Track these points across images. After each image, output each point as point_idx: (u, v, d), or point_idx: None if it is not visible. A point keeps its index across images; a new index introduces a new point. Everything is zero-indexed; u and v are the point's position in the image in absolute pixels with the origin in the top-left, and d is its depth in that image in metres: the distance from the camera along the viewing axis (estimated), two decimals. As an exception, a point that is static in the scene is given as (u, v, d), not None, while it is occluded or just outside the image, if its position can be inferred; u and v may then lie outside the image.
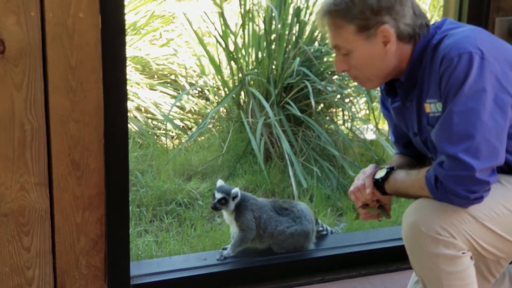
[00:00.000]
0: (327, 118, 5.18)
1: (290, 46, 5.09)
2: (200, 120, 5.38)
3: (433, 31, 2.35)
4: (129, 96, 5.22)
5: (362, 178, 2.54)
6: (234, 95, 5.13)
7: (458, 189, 2.17)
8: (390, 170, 2.46)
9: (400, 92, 2.44)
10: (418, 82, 2.36)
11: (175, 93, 5.73)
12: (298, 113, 4.72)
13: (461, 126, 2.17)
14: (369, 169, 2.55)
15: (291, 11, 5.15)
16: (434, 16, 5.97)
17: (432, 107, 2.31)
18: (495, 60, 2.19)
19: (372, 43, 2.31)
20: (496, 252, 2.31)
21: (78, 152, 2.64)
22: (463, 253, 2.24)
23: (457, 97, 2.17)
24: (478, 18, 3.13)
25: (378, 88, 2.67)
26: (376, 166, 2.54)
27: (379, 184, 2.47)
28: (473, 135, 2.15)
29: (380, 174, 2.48)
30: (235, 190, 3.25)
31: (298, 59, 4.84)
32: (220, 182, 3.33)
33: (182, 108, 5.61)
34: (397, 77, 2.42)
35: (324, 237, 3.45)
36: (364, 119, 5.41)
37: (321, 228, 3.44)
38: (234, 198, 3.23)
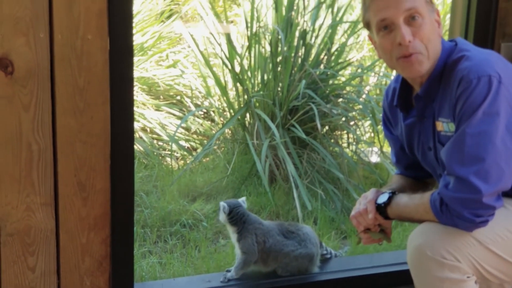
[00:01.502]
0: (332, 140, 5.19)
1: (296, 69, 5.11)
2: (205, 141, 5.40)
3: (451, 49, 2.36)
4: (135, 116, 5.23)
5: (363, 202, 2.53)
6: (239, 117, 5.15)
7: (464, 212, 2.18)
8: (392, 195, 2.46)
9: (417, 106, 2.43)
10: (435, 99, 2.36)
11: (180, 114, 5.75)
12: (303, 136, 4.73)
13: (473, 148, 2.18)
14: (370, 193, 2.54)
15: (297, 34, 5.17)
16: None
17: (444, 126, 2.32)
18: (510, 85, 2.21)
19: (432, 19, 2.32)
20: (500, 275, 2.30)
21: (85, 173, 2.65)
22: (468, 277, 2.24)
23: (472, 119, 2.18)
24: (484, 43, 3.15)
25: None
26: (378, 190, 2.54)
27: (381, 209, 2.47)
28: (484, 158, 2.16)
29: (382, 199, 2.47)
30: (221, 203, 3.26)
31: (304, 81, 4.86)
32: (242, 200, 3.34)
33: (187, 129, 5.63)
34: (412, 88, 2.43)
35: (328, 260, 3.44)
36: (369, 142, 5.42)
37: (325, 251, 3.44)
38: (224, 211, 3.25)
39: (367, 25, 2.41)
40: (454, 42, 2.40)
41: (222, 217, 3.25)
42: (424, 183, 2.64)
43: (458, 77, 2.23)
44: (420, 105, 2.42)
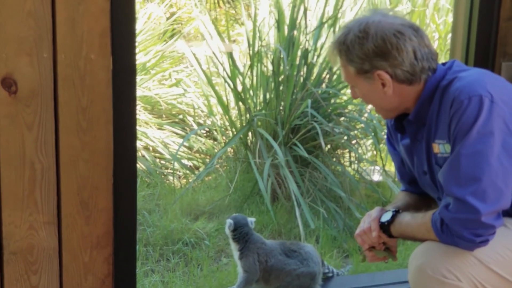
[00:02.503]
0: (334, 159, 5.20)
1: (298, 88, 5.13)
2: (208, 160, 5.41)
3: (444, 72, 2.37)
4: (137, 135, 5.25)
5: (368, 221, 2.55)
6: (241, 136, 5.16)
7: (464, 232, 2.19)
8: (396, 213, 2.47)
9: (409, 130, 2.46)
10: (427, 122, 2.37)
11: (183, 133, 5.77)
12: (306, 154, 4.74)
13: (468, 169, 2.19)
14: (374, 212, 2.55)
15: (299, 53, 5.20)
16: (441, 59, 6.01)
17: (440, 147, 2.33)
18: (503, 104, 2.21)
19: (372, 84, 2.37)
20: (501, 295, 2.31)
21: (87, 191, 2.65)
22: (469, 296, 2.25)
23: (466, 139, 2.19)
24: (484, 63, 3.16)
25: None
26: (382, 209, 2.55)
27: (385, 227, 2.48)
28: (480, 178, 2.17)
29: (386, 217, 2.48)
30: (227, 220, 3.30)
31: (309, 100, 4.87)
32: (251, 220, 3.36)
33: (190, 147, 5.64)
34: (406, 112, 2.44)
35: (330, 279, 3.44)
36: (371, 160, 5.42)
37: (327, 270, 3.44)
38: (230, 228, 3.27)
39: None
40: (450, 64, 2.41)
41: (227, 232, 3.28)
42: (429, 199, 2.65)
43: (450, 98, 2.26)
44: (412, 129, 2.45)
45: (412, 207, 2.56)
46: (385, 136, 2.80)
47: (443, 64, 2.42)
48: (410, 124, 2.44)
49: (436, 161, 2.37)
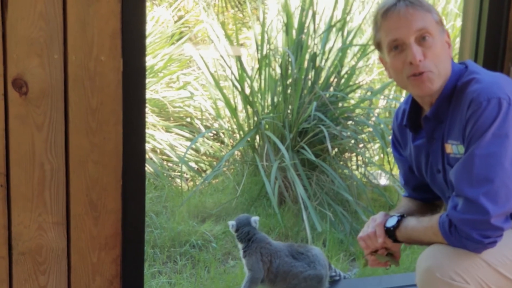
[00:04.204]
0: (341, 163, 5.20)
1: (305, 91, 5.13)
2: (215, 163, 5.42)
3: (461, 71, 2.38)
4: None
5: (372, 225, 2.54)
6: (249, 139, 5.17)
7: (473, 233, 2.19)
8: (401, 218, 2.47)
9: (426, 128, 2.44)
10: (444, 120, 2.38)
11: (190, 136, 5.78)
12: (313, 158, 4.74)
13: (482, 170, 2.19)
14: (379, 217, 2.55)
15: (307, 56, 5.20)
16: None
17: (453, 148, 2.33)
18: None
19: (442, 39, 2.35)
20: (508, 298, 2.31)
21: (96, 192, 2.66)
22: (476, 299, 2.25)
23: (481, 140, 2.19)
24: (493, 66, 3.17)
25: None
26: (386, 214, 2.55)
27: (390, 232, 2.48)
28: (493, 179, 2.17)
29: (391, 222, 2.48)
30: (229, 222, 3.34)
31: (314, 103, 4.88)
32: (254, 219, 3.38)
33: (197, 150, 5.65)
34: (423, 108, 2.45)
35: (337, 282, 3.44)
36: (378, 164, 5.43)
37: (334, 273, 3.44)
38: (232, 229, 3.32)
39: (378, 46, 2.43)
40: (464, 64, 2.42)
41: (232, 232, 3.34)
42: (432, 205, 2.65)
43: (468, 99, 2.25)
44: (429, 127, 2.43)
45: (415, 212, 2.55)
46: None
47: (458, 63, 2.44)
48: (428, 121, 2.42)
49: (448, 161, 2.37)
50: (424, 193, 2.64)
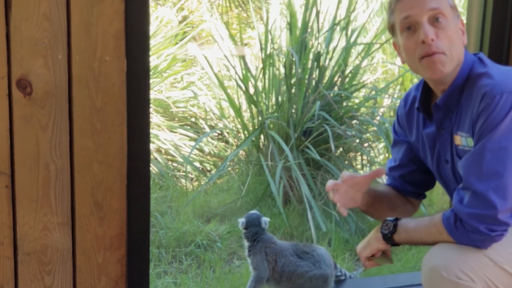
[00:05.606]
0: (346, 162, 5.20)
1: (310, 91, 5.13)
2: (220, 163, 5.42)
3: (475, 61, 2.37)
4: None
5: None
6: (253, 138, 5.17)
7: (480, 226, 2.17)
8: (396, 222, 2.45)
9: (436, 117, 2.42)
10: (454, 110, 2.37)
11: (195, 136, 5.78)
12: (318, 157, 4.74)
13: (492, 164, 2.18)
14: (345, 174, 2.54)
15: (311, 56, 5.20)
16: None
17: (463, 140, 2.32)
18: None
19: (456, 24, 2.35)
20: (515, 296, 2.30)
21: (101, 193, 2.66)
22: (483, 297, 2.24)
23: (493, 134, 2.19)
24: (498, 62, 3.15)
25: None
26: (352, 176, 2.53)
27: (388, 238, 2.46)
28: (502, 174, 2.17)
29: (387, 228, 2.46)
30: (240, 219, 3.33)
31: (318, 102, 4.88)
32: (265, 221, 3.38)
33: (201, 150, 5.65)
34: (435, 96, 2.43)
35: (342, 282, 3.44)
36: (383, 163, 5.42)
37: (339, 273, 3.43)
38: (241, 226, 3.31)
39: (391, 29, 2.42)
40: (477, 56, 2.41)
41: (241, 229, 3.33)
42: (405, 200, 2.66)
43: (481, 92, 2.24)
44: (439, 116, 2.41)
45: (386, 200, 2.60)
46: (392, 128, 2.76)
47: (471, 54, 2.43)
48: (438, 110, 2.41)
49: (457, 152, 2.36)
50: (406, 184, 2.63)
